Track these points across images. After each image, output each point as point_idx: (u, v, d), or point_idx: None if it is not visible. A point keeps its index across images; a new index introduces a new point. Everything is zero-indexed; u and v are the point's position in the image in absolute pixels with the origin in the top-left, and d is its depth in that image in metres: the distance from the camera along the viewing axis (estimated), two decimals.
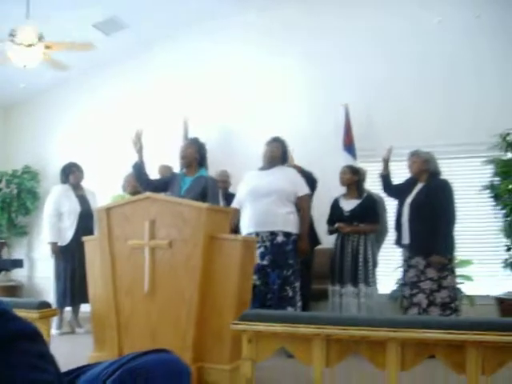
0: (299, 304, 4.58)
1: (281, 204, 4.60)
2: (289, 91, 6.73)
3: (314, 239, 5.14)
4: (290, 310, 4.42)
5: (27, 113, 8.07)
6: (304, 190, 4.73)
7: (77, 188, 5.90)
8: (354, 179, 5.10)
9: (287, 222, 4.60)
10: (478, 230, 6.00)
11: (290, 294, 4.51)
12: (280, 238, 4.57)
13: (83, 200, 5.86)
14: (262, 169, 4.84)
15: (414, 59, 6.31)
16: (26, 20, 5.19)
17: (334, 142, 6.15)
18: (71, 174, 5.89)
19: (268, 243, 4.57)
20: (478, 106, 6.01)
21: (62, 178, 5.95)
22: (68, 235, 5.70)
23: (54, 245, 5.73)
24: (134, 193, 5.74)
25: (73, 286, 5.59)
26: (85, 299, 5.60)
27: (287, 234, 4.59)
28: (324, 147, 6.28)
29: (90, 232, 5.62)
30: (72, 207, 5.75)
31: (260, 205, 4.62)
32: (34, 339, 0.86)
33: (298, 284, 4.58)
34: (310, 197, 4.88)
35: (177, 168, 5.54)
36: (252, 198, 4.70)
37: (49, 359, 0.89)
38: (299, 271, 4.65)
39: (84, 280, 5.46)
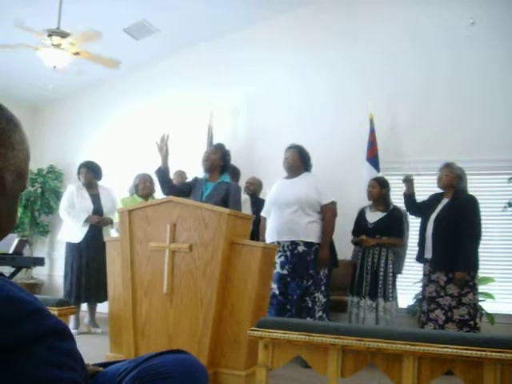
0: (319, 315, 4.52)
1: (303, 214, 4.58)
2: (315, 100, 6.70)
3: (333, 260, 5.01)
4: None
5: (54, 113, 8.21)
6: (328, 198, 4.68)
7: (90, 187, 5.82)
8: (382, 193, 5.05)
9: (309, 231, 4.57)
10: (501, 247, 5.91)
11: (310, 304, 4.47)
12: (301, 248, 4.55)
13: (96, 199, 5.78)
14: (287, 178, 4.84)
15: (444, 70, 6.18)
16: (57, 24, 5.29)
17: (359, 152, 6.09)
18: (80, 174, 5.84)
19: (289, 253, 4.55)
20: (506, 122, 5.91)
21: (77, 176, 5.93)
22: (80, 234, 5.60)
23: (87, 218, 5.61)
24: (147, 196, 5.79)
25: (79, 284, 5.55)
26: (91, 298, 5.66)
27: (309, 244, 4.56)
28: (348, 157, 6.24)
29: (99, 232, 5.65)
30: (85, 206, 5.66)
31: (282, 215, 4.61)
32: (66, 336, 0.87)
33: (318, 295, 4.52)
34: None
35: (190, 175, 5.57)
36: (275, 207, 4.71)
37: (78, 358, 0.90)
38: (320, 281, 4.60)
39: (92, 279, 5.53)
